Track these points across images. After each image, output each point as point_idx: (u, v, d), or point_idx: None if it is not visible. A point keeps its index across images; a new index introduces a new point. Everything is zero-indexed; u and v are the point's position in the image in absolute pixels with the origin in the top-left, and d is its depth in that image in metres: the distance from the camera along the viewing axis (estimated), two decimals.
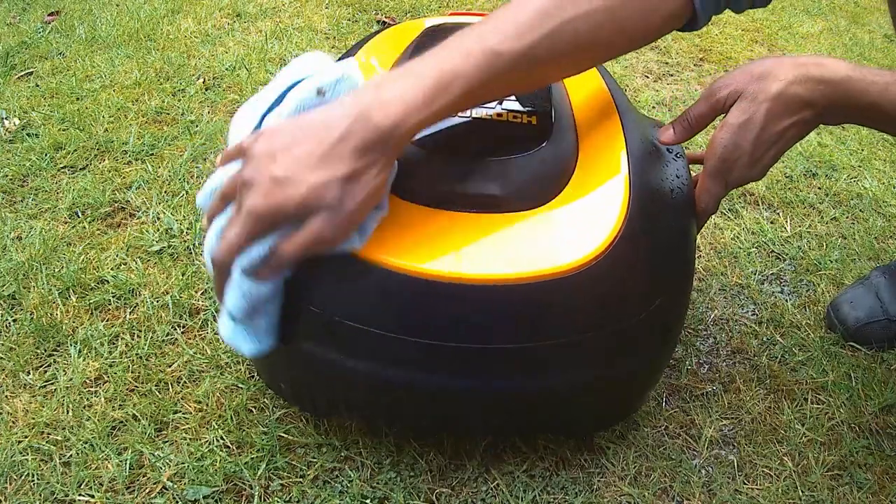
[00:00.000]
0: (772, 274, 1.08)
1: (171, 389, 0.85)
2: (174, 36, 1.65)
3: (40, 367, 0.88)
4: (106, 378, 0.86)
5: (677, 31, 0.66)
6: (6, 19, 1.76)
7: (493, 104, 0.70)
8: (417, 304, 0.63)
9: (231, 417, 0.81)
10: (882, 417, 0.87)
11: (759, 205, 1.22)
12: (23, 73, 1.50)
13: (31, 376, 0.86)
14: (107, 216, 1.11)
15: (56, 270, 1.00)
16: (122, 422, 0.81)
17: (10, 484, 0.75)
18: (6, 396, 0.84)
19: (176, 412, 0.82)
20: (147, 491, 0.75)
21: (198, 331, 0.93)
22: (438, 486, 0.76)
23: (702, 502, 0.77)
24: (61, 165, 1.21)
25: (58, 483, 0.75)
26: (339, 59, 0.84)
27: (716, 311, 1.01)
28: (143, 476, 0.76)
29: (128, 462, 0.77)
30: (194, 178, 1.19)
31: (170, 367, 0.88)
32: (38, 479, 0.75)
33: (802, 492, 0.78)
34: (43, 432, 0.80)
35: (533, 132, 0.68)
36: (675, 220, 0.72)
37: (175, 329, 0.93)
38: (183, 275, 1.00)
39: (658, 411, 0.86)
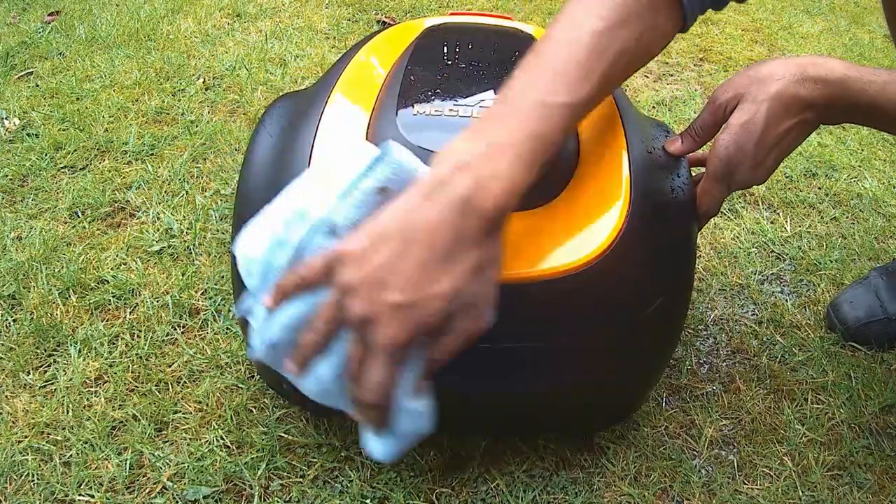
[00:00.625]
0: (772, 274, 1.08)
1: (171, 389, 0.85)
2: (174, 36, 1.65)
3: (40, 367, 0.88)
4: (106, 378, 0.86)
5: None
6: (6, 19, 1.76)
7: None
8: None
9: (231, 417, 0.81)
10: (882, 417, 0.87)
11: (759, 205, 1.22)
12: (23, 73, 1.50)
13: (31, 376, 0.86)
14: (107, 216, 1.11)
15: (56, 270, 1.00)
16: (122, 422, 0.81)
17: (10, 484, 0.75)
18: (6, 396, 0.84)
19: (176, 412, 0.82)
20: (147, 491, 0.75)
21: (198, 331, 0.93)
22: (438, 486, 0.76)
23: (702, 502, 0.77)
24: (61, 165, 1.21)
25: (58, 483, 0.75)
26: (340, 57, 0.84)
27: (716, 311, 1.01)
28: (143, 476, 0.76)
29: (128, 462, 0.77)
30: (194, 178, 1.19)
31: (170, 367, 0.88)
32: (38, 479, 0.75)
33: (802, 492, 0.78)
34: (43, 432, 0.80)
35: None
36: (675, 219, 0.72)
37: (175, 329, 0.93)
38: (183, 275, 1.00)
39: (658, 411, 0.86)
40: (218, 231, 1.08)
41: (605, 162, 0.70)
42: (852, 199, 1.24)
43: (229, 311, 0.95)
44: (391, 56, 0.80)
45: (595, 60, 0.54)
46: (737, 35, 1.83)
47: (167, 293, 0.97)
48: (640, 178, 0.69)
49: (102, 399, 0.83)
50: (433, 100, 0.71)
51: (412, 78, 0.75)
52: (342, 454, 0.79)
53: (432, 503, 0.75)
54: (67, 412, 0.82)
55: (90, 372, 0.86)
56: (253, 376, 0.86)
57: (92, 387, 0.85)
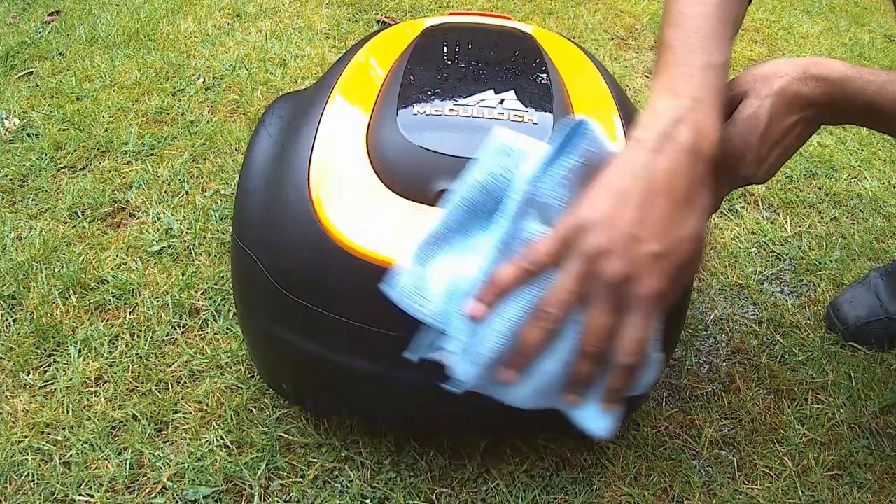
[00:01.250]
0: (772, 274, 1.08)
1: (171, 389, 0.85)
2: (174, 36, 1.65)
3: (40, 367, 0.88)
4: (106, 378, 0.86)
5: None
6: (6, 19, 1.76)
7: (494, 104, 0.70)
8: None
9: (231, 417, 0.81)
10: (882, 417, 0.87)
11: (759, 205, 1.22)
12: (23, 73, 1.50)
13: (31, 376, 0.86)
14: (107, 216, 1.11)
15: (56, 270, 1.00)
16: (122, 422, 0.81)
17: (10, 484, 0.75)
18: (6, 396, 0.84)
19: (176, 412, 0.82)
20: (147, 491, 0.75)
21: (198, 331, 0.93)
22: (438, 486, 0.76)
23: (702, 502, 0.77)
24: (61, 165, 1.21)
25: (58, 483, 0.75)
26: (340, 57, 0.84)
27: (716, 311, 1.01)
28: (143, 476, 0.76)
29: (128, 462, 0.77)
30: (194, 178, 1.19)
31: (170, 367, 0.88)
32: (38, 479, 0.75)
33: (802, 492, 0.78)
34: (43, 432, 0.80)
35: (534, 131, 0.68)
36: None
37: (175, 329, 0.93)
38: (183, 275, 1.00)
39: (658, 411, 0.86)
40: (218, 231, 1.08)
41: None
42: (852, 199, 1.24)
43: (229, 311, 0.95)
44: (391, 56, 0.80)
45: (725, 26, 0.61)
46: (737, 35, 1.83)
47: (167, 293, 0.97)
48: None
49: (102, 399, 0.83)
50: (433, 99, 0.71)
51: (412, 78, 0.75)
52: (342, 454, 0.79)
53: (432, 503, 0.75)
54: (67, 412, 0.82)
55: (90, 372, 0.86)
56: (253, 376, 0.86)
57: (92, 387, 0.85)
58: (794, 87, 0.64)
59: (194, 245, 1.05)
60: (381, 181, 0.66)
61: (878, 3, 2.11)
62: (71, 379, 0.85)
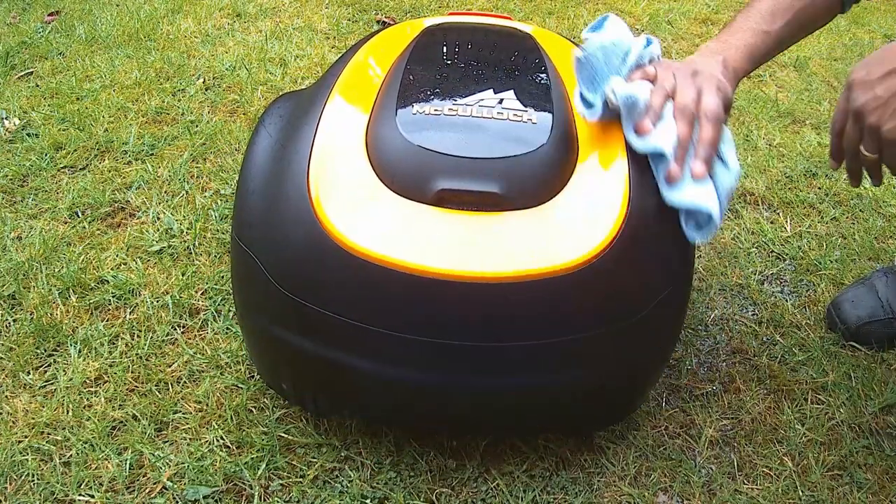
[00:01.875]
0: (772, 274, 1.08)
1: (171, 389, 0.85)
2: (174, 36, 1.65)
3: (40, 367, 0.88)
4: (106, 378, 0.86)
5: None
6: (6, 19, 1.76)
7: (493, 104, 0.70)
8: (419, 302, 0.63)
9: (231, 417, 0.81)
10: (882, 417, 0.87)
11: (759, 205, 1.22)
12: (23, 73, 1.50)
13: (31, 376, 0.86)
14: (107, 216, 1.11)
15: (56, 270, 1.00)
16: (122, 422, 0.81)
17: (10, 484, 0.75)
18: (6, 396, 0.84)
19: (176, 412, 0.82)
20: (147, 491, 0.75)
21: (198, 331, 0.93)
22: (438, 486, 0.76)
23: (702, 502, 0.77)
24: (61, 165, 1.21)
25: (58, 483, 0.75)
26: (339, 57, 0.84)
27: (716, 311, 1.01)
28: (143, 476, 0.76)
29: (128, 462, 0.77)
30: (194, 178, 1.19)
31: (170, 367, 0.88)
32: (38, 479, 0.75)
33: (802, 492, 0.78)
34: (43, 432, 0.80)
35: (533, 131, 0.68)
36: (675, 217, 0.72)
37: (175, 329, 0.93)
38: (183, 275, 1.00)
39: (658, 411, 0.86)
40: (218, 231, 1.08)
41: (605, 160, 0.70)
42: (852, 199, 1.24)
43: (229, 311, 0.95)
44: (390, 56, 0.80)
45: (782, 9, 0.81)
46: None
47: (167, 293, 0.97)
48: (639, 176, 0.69)
49: (102, 399, 0.83)
50: (432, 99, 0.71)
51: (411, 78, 0.75)
52: (342, 454, 0.78)
53: (432, 503, 0.75)
54: (67, 412, 0.82)
55: (90, 372, 0.86)
56: (253, 376, 0.86)
57: (92, 387, 0.85)
58: None
59: (194, 245, 1.05)
60: (381, 180, 0.66)
61: (879, 3, 2.11)
62: (71, 379, 0.85)
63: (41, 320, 0.92)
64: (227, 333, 0.92)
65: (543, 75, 0.77)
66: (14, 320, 0.93)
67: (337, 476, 0.77)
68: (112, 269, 1.01)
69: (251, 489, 0.75)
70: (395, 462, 0.78)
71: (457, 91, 0.72)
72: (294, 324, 0.68)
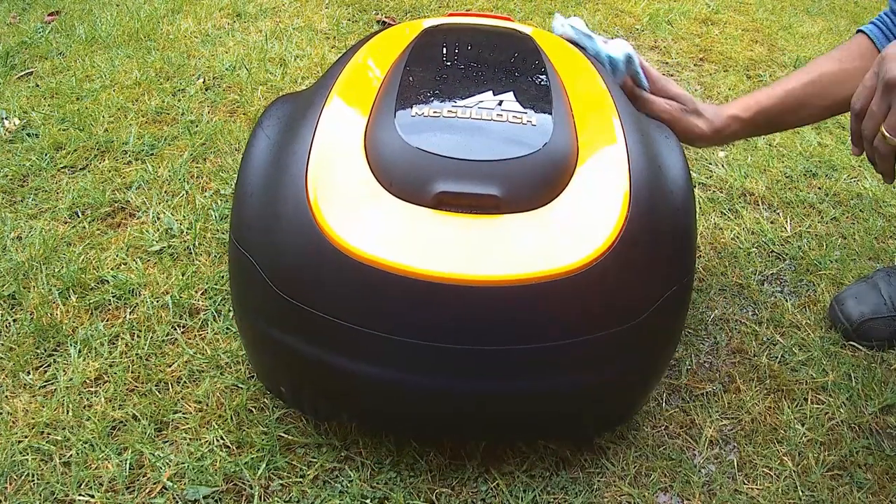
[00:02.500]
0: (772, 274, 1.08)
1: (171, 389, 0.85)
2: (174, 36, 1.65)
3: (40, 367, 0.88)
4: (106, 378, 0.86)
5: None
6: (6, 19, 1.76)
7: (492, 105, 0.70)
8: (417, 305, 0.63)
9: (231, 417, 0.81)
10: (882, 417, 0.87)
11: (759, 205, 1.22)
12: (23, 73, 1.50)
13: (31, 376, 0.86)
14: (107, 216, 1.11)
15: (56, 270, 1.00)
16: (122, 422, 0.81)
17: (10, 484, 0.75)
18: (6, 396, 0.84)
19: (176, 412, 0.82)
20: (147, 491, 0.75)
21: (198, 331, 0.93)
22: (438, 486, 0.76)
23: (702, 502, 0.77)
24: (61, 165, 1.21)
25: (58, 483, 0.75)
26: (338, 59, 0.84)
27: (716, 311, 1.01)
28: (143, 476, 0.76)
29: (128, 462, 0.77)
30: (194, 178, 1.19)
31: (170, 367, 0.88)
32: (38, 479, 0.75)
33: (802, 492, 0.78)
34: (43, 432, 0.80)
35: (533, 133, 0.68)
36: (675, 219, 0.72)
37: (175, 329, 0.93)
38: (183, 275, 1.00)
39: (658, 411, 0.86)
40: (218, 231, 1.08)
41: (604, 162, 0.70)
42: (852, 199, 1.24)
43: (229, 311, 0.95)
44: (389, 57, 0.80)
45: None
46: (737, 35, 1.83)
47: (167, 293, 0.97)
48: (639, 178, 0.69)
49: (102, 399, 0.83)
50: (431, 101, 0.71)
51: (410, 79, 0.75)
52: (342, 454, 0.79)
53: (432, 503, 0.75)
54: (67, 412, 0.82)
55: (90, 372, 0.86)
56: (253, 376, 0.86)
57: (92, 387, 0.85)
58: None
59: (194, 245, 1.05)
60: (379, 183, 0.66)
61: (879, 3, 2.11)
62: (71, 379, 0.86)
63: (41, 320, 0.92)
64: (227, 333, 0.92)
65: (543, 77, 0.77)
66: (14, 320, 0.93)
67: (337, 476, 0.77)
68: (112, 269, 1.01)
69: (251, 489, 0.75)
70: (395, 462, 0.78)
71: (456, 93, 0.72)
72: (292, 327, 0.68)
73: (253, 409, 0.83)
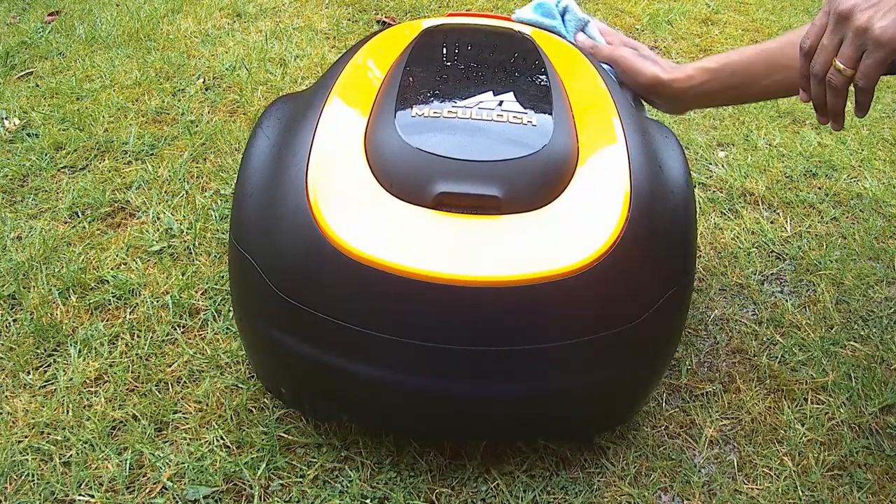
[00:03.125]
0: (772, 274, 1.08)
1: (171, 389, 0.85)
2: (174, 36, 1.65)
3: (40, 367, 0.88)
4: (106, 378, 0.86)
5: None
6: (6, 19, 1.76)
7: (492, 106, 0.70)
8: (418, 306, 0.63)
9: (231, 417, 0.81)
10: (882, 417, 0.87)
11: (759, 205, 1.22)
12: (23, 73, 1.50)
13: (31, 376, 0.86)
14: (107, 216, 1.11)
15: (56, 270, 1.00)
16: (122, 422, 0.81)
17: (10, 484, 0.75)
18: (6, 396, 0.84)
19: (176, 412, 0.82)
20: (147, 491, 0.75)
21: (198, 331, 0.93)
22: (438, 486, 0.76)
23: (702, 502, 0.77)
24: (61, 165, 1.21)
25: (58, 483, 0.75)
26: (338, 59, 0.84)
27: (716, 311, 1.01)
28: (143, 476, 0.76)
29: (128, 462, 0.77)
30: (194, 178, 1.19)
31: (170, 367, 0.88)
32: (38, 479, 0.75)
33: (802, 492, 0.78)
34: (43, 432, 0.80)
35: (533, 133, 0.68)
36: (675, 219, 0.72)
37: (175, 329, 0.93)
38: (183, 275, 1.00)
39: (658, 411, 0.86)
40: (218, 231, 1.08)
41: (605, 163, 0.70)
42: (852, 199, 1.24)
43: (229, 311, 0.95)
44: (389, 57, 0.80)
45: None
46: (737, 35, 1.83)
47: (167, 293, 0.97)
48: (639, 179, 0.69)
49: (102, 399, 0.83)
50: (431, 101, 0.71)
51: (410, 79, 0.74)
52: (342, 454, 0.79)
53: (432, 503, 0.75)
54: (67, 412, 0.82)
55: (90, 372, 0.86)
56: (253, 376, 0.86)
57: (92, 387, 0.85)
58: None
59: (194, 245, 1.05)
60: (380, 183, 0.66)
61: None
62: (71, 379, 0.86)
63: (41, 320, 0.92)
64: (227, 333, 0.92)
65: (543, 77, 0.77)
66: (14, 320, 0.93)
67: (337, 476, 0.77)
68: (112, 269, 1.01)
69: (251, 489, 0.75)
70: (395, 462, 0.78)
71: (456, 93, 0.72)
72: (292, 328, 0.68)
73: (253, 409, 0.83)
